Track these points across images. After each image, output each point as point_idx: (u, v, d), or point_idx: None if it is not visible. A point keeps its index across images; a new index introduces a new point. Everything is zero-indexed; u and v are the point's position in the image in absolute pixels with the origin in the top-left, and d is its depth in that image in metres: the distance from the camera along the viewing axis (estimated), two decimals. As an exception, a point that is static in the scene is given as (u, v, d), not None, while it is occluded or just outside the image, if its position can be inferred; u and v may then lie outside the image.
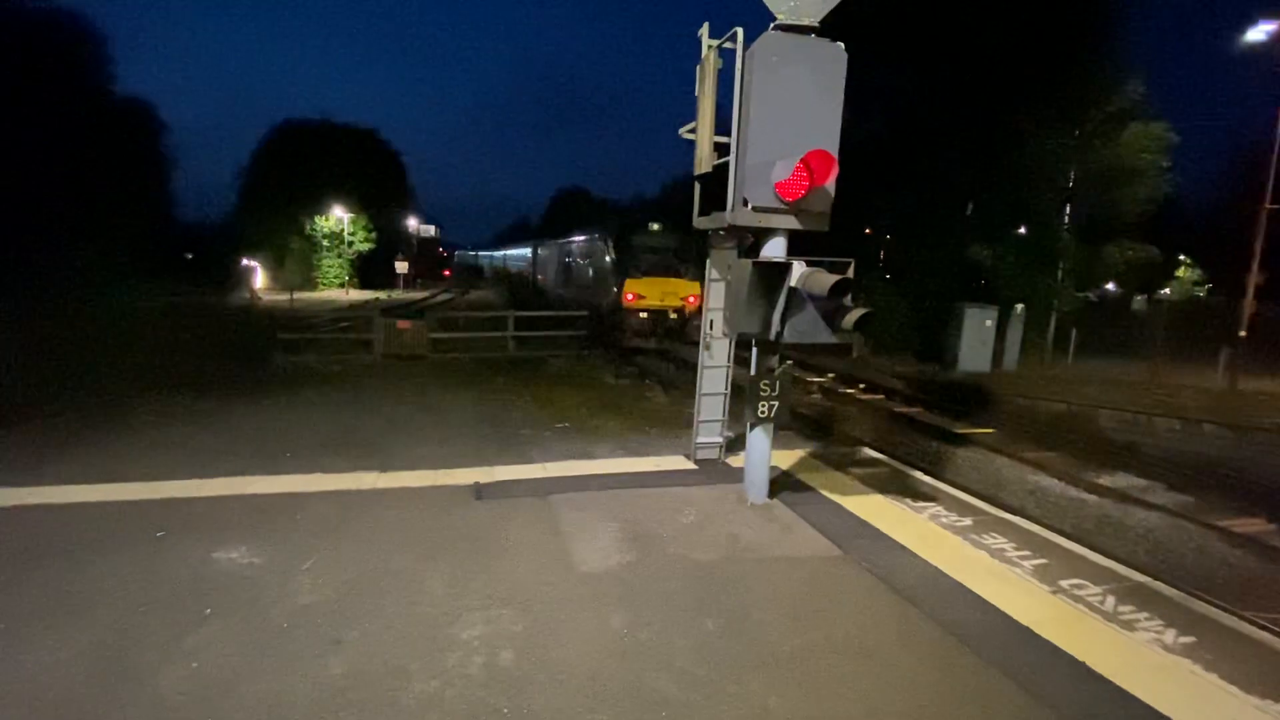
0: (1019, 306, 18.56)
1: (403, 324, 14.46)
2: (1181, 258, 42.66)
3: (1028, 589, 4.26)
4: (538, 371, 12.81)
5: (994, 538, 5.05)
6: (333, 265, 45.99)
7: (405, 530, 4.96)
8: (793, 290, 4.80)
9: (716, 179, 5.46)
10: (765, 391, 5.21)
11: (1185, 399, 14.16)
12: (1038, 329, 19.85)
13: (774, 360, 5.33)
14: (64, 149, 20.68)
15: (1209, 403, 13.86)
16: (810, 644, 3.63)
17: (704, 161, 5.65)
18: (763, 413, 5.25)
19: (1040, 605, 4.05)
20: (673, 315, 17.61)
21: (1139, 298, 32.44)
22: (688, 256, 18.06)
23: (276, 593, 4.02)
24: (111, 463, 6.37)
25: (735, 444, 6.80)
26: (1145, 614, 3.97)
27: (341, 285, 45.03)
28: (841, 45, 4.85)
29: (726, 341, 6.54)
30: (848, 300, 4.83)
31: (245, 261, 40.26)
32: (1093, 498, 8.42)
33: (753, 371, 5.37)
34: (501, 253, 53.23)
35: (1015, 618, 3.89)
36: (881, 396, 14.01)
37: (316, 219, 44.87)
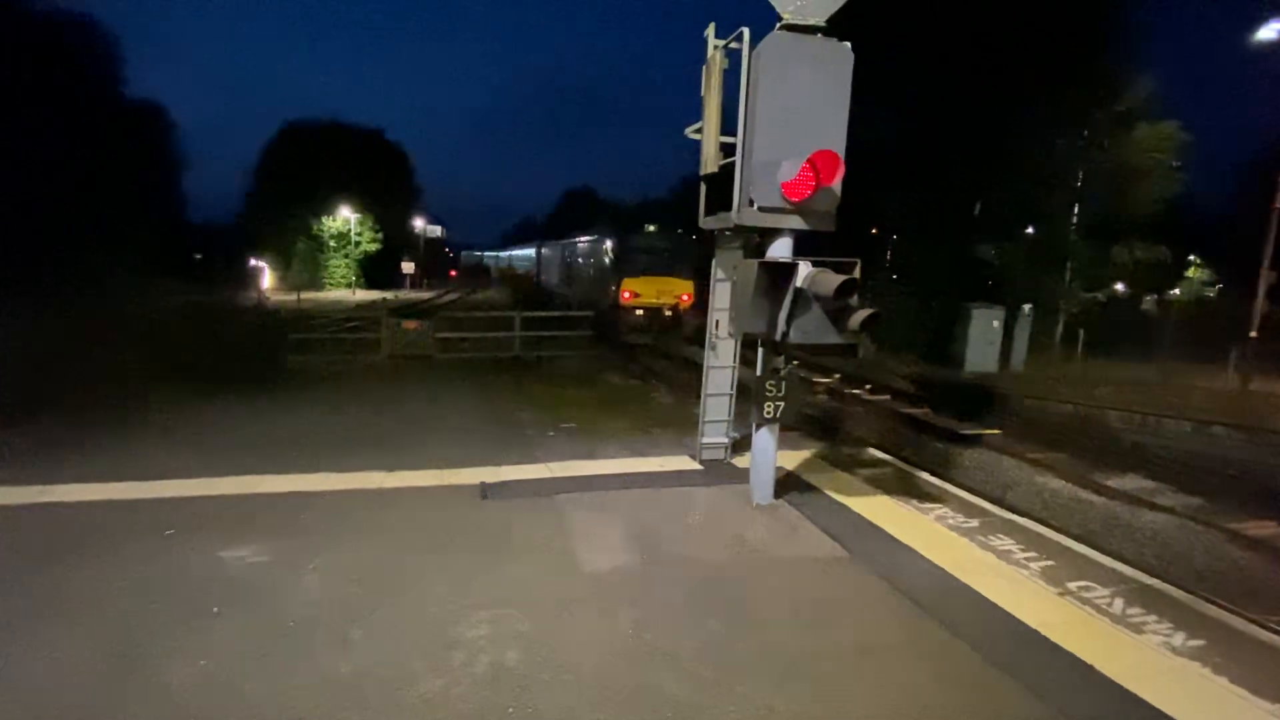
0: (1026, 307, 18.43)
1: (409, 324, 14.52)
2: (1192, 258, 42.27)
3: (1035, 591, 4.24)
4: (544, 371, 12.84)
5: (1001, 539, 5.03)
6: (339, 265, 46.21)
7: (412, 530, 4.98)
8: (799, 291, 4.79)
9: (723, 179, 5.46)
10: (771, 392, 5.20)
11: (1195, 400, 14.03)
12: (1045, 329, 19.72)
13: (780, 361, 5.33)
14: (75, 150, 20.84)
15: (1219, 404, 13.74)
16: (816, 645, 3.63)
17: (710, 162, 5.65)
18: (768, 413, 5.24)
19: (1047, 607, 4.03)
20: (667, 312, 18.65)
21: (1149, 298, 32.18)
22: (682, 257, 19.17)
23: (284, 591, 4.04)
24: (121, 462, 6.42)
25: (741, 444, 6.79)
26: (1154, 616, 3.94)
27: (348, 286, 45.23)
28: (848, 45, 4.84)
29: (732, 342, 6.54)
30: (854, 301, 4.82)
31: (253, 262, 40.48)
32: (1101, 499, 8.37)
33: (758, 372, 5.37)
34: (507, 253, 53.38)
35: (1022, 619, 3.88)
36: (888, 397, 13.96)
37: (324, 219, 45.08)
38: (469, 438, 7.69)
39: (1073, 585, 4.31)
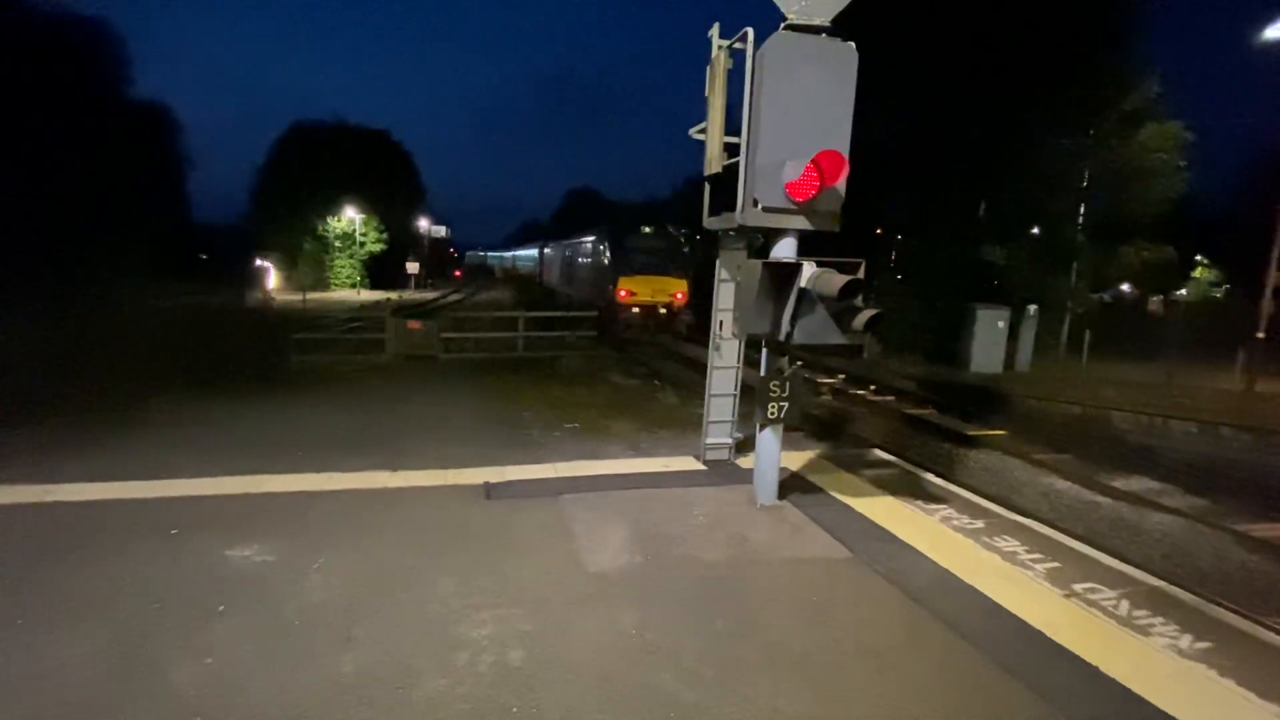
0: (1032, 307, 18.38)
1: (414, 324, 14.56)
2: (1198, 258, 42.08)
3: (1040, 592, 4.23)
4: (548, 371, 12.84)
5: (1006, 540, 5.01)
6: (345, 266, 46.30)
7: (416, 529, 4.99)
8: (803, 291, 4.78)
9: (727, 179, 5.45)
10: (775, 392, 5.19)
11: (1202, 401, 13.98)
12: (1051, 330, 19.66)
13: (784, 361, 5.32)
14: (80, 150, 20.93)
15: (1226, 405, 13.67)
16: (820, 646, 3.62)
17: (714, 162, 5.65)
18: (772, 414, 5.23)
19: (1053, 609, 4.02)
20: (662, 310, 19.60)
21: (1155, 298, 32.05)
22: (676, 257, 20.47)
23: (289, 590, 4.05)
24: (126, 461, 6.45)
25: (745, 445, 6.78)
26: (1160, 619, 3.92)
27: (353, 286, 45.33)
28: (853, 45, 4.83)
29: (736, 342, 6.53)
30: (858, 301, 4.81)
31: (259, 262, 40.60)
32: (1107, 501, 8.33)
33: (762, 372, 5.36)
34: (511, 254, 53.52)
35: (1027, 621, 3.86)
36: (892, 398, 13.92)
37: (329, 219, 45.21)
38: (473, 437, 7.70)
39: (1078, 587, 4.29)
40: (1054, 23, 18.18)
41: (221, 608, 3.84)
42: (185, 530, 4.85)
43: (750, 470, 5.94)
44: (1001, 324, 17.75)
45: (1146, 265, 20.55)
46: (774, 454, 5.59)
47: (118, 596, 3.94)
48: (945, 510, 5.62)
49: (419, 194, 58.74)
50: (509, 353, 14.72)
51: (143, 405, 8.74)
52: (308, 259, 44.25)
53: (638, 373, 13.79)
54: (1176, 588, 4.39)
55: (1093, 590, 4.25)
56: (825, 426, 10.85)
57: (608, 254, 20.70)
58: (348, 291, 43.31)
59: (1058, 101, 18.33)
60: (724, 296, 6.34)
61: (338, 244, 45.91)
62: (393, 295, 38.83)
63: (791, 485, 6.05)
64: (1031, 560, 4.67)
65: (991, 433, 11.16)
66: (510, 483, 6.04)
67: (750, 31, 5.01)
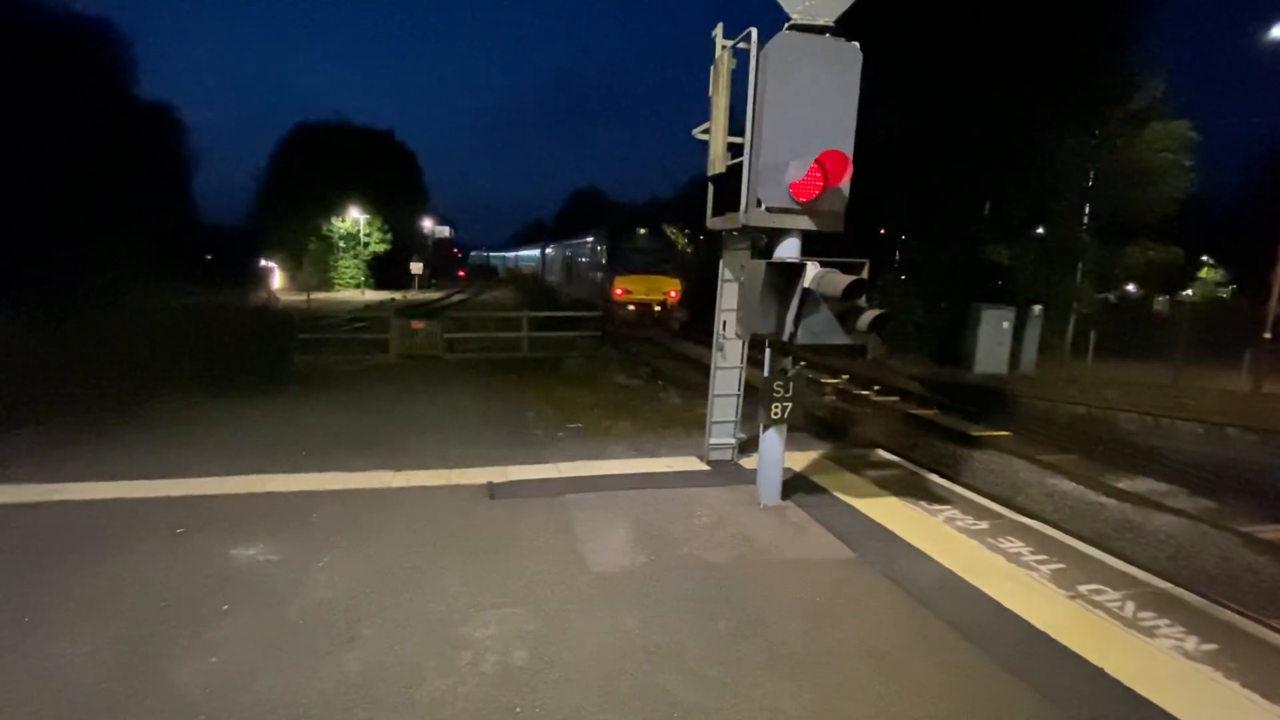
0: (1037, 308, 18.31)
1: (417, 324, 14.61)
2: (1205, 258, 41.87)
3: (1045, 593, 4.21)
4: (551, 371, 12.85)
5: (1010, 541, 4.99)
6: (349, 266, 46.40)
7: (419, 529, 5.00)
8: (806, 291, 4.78)
9: (730, 179, 5.45)
10: (778, 393, 5.18)
11: (1208, 402, 13.91)
12: (1056, 330, 19.57)
13: (787, 362, 5.31)
14: (88, 151, 21.04)
15: (1232, 406, 13.61)
16: (823, 646, 3.61)
17: (718, 162, 5.64)
18: (776, 414, 5.22)
19: (1057, 610, 4.00)
20: (656, 308, 20.56)
21: (1160, 299, 31.90)
22: (670, 257, 21.64)
23: (293, 589, 4.06)
24: (131, 460, 6.48)
25: (748, 445, 6.78)
26: (1166, 620, 3.90)
27: (357, 286, 45.42)
28: (856, 45, 4.83)
29: (739, 343, 6.52)
30: (862, 301, 4.80)
31: (263, 262, 40.71)
32: (1112, 502, 8.29)
33: (766, 373, 5.35)
34: (514, 254, 53.66)
35: (1031, 622, 3.85)
36: (896, 398, 13.89)
37: (333, 220, 45.31)
38: (476, 438, 7.71)
39: (1084, 588, 4.27)
40: (1057, 22, 18.12)
41: (226, 607, 3.85)
42: (189, 530, 4.87)
43: (754, 470, 5.93)
44: (1006, 324, 17.69)
45: (1152, 265, 20.46)
46: (777, 454, 5.58)
47: (122, 595, 3.95)
48: (949, 511, 5.60)
49: (423, 194, 58.93)
50: (513, 353, 14.74)
51: (147, 405, 8.77)
52: (312, 259, 44.32)
53: (640, 373, 13.79)
54: (1182, 589, 4.37)
55: (1098, 592, 4.23)
56: (829, 427, 10.84)
57: (604, 254, 21.66)
58: (352, 292, 43.40)
59: (1062, 101, 18.26)
60: (728, 297, 6.33)
61: (342, 244, 45.99)
62: (397, 295, 38.91)
63: (795, 485, 6.04)
64: (1036, 561, 4.66)
65: (996, 433, 11.12)
66: (513, 483, 6.04)
67: (754, 31, 5.01)
